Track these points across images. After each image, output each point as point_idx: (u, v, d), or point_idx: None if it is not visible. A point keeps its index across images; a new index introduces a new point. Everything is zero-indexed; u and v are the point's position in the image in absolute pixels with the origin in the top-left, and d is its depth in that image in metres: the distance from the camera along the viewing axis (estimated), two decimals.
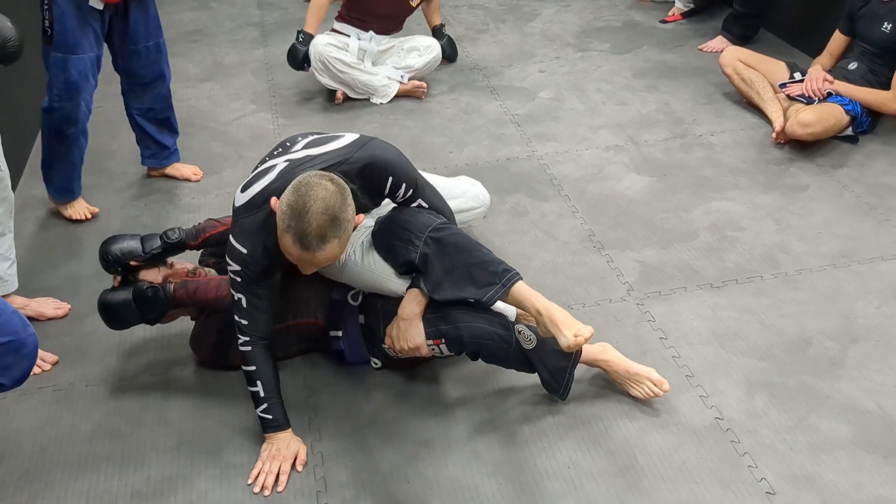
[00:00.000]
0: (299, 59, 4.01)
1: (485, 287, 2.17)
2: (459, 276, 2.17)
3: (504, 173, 3.46)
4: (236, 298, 2.17)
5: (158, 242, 2.45)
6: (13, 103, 3.58)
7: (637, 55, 4.50)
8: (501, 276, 2.18)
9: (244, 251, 2.10)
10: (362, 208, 2.14)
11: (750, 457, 2.14)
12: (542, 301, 2.17)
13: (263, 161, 2.24)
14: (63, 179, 3.18)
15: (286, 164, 2.13)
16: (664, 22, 4.90)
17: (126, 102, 3.33)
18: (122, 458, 2.24)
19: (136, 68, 3.19)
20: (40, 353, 2.47)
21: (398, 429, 2.28)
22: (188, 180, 3.50)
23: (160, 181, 3.53)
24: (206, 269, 2.57)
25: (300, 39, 4.00)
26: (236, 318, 2.18)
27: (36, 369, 2.46)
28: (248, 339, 2.18)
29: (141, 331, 2.68)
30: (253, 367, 2.18)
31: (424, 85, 4.13)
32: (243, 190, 2.14)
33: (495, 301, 2.19)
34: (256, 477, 2.15)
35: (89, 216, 3.25)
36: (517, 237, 3.05)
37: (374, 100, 4.09)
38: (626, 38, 4.72)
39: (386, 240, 2.23)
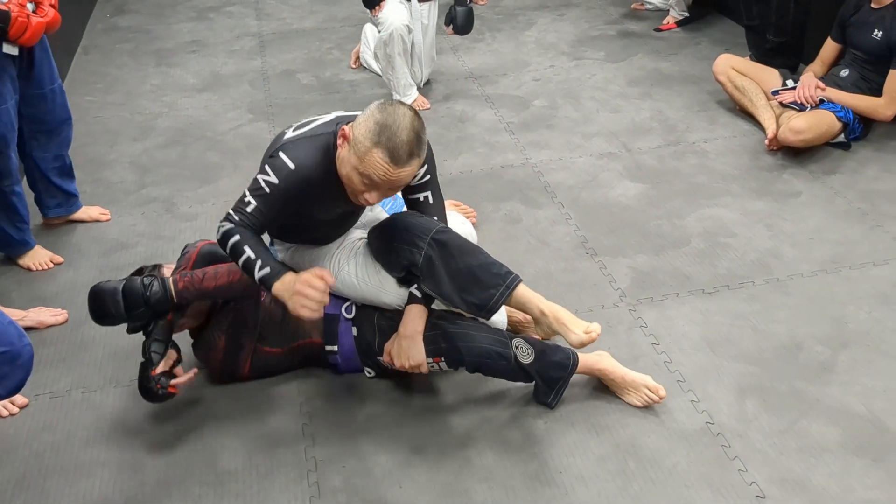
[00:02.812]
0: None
1: (489, 289, 2.19)
2: (463, 279, 2.19)
3: (498, 181, 3.48)
4: (246, 201, 2.07)
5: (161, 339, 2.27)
6: None
7: (631, 63, 4.53)
8: (505, 278, 2.20)
9: (291, 166, 2.04)
10: None
11: (740, 461, 2.15)
12: (545, 302, 2.20)
13: (289, 127, 2.20)
14: (12, 233, 2.95)
15: (337, 115, 2.16)
16: (658, 30, 4.94)
17: (28, 153, 3.04)
18: (118, 464, 2.26)
19: (42, 113, 2.97)
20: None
21: (391, 435, 2.30)
22: (98, 221, 3.30)
23: (157, 189, 3.55)
24: None
25: None
26: (231, 210, 2.09)
27: (3, 412, 2.39)
28: (231, 225, 2.07)
29: (138, 336, 2.67)
30: (236, 237, 2.05)
31: (428, 104, 4.15)
32: (296, 129, 2.14)
33: (500, 304, 2.20)
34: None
35: (51, 265, 3.03)
36: (511, 244, 3.07)
37: (396, 96, 4.11)
38: (620, 47, 4.75)
39: (387, 242, 2.25)
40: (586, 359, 2.36)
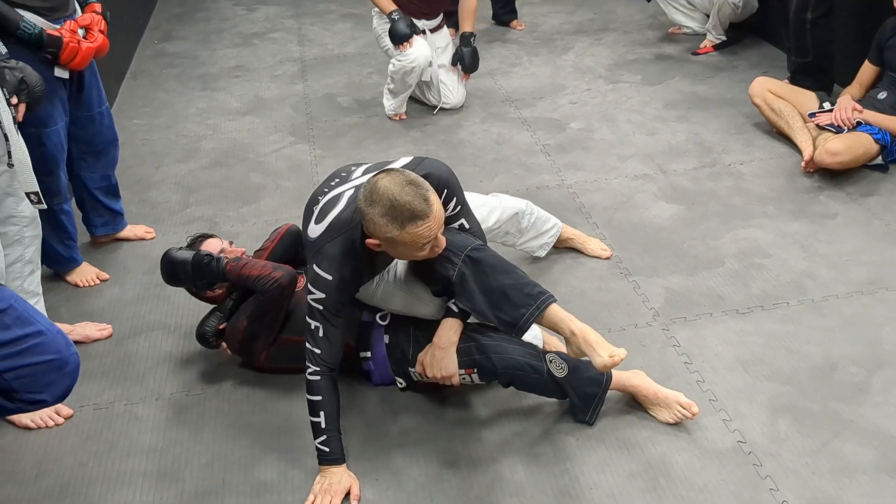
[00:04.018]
0: (404, 34, 4.10)
1: (520, 308, 2.22)
2: (496, 296, 2.22)
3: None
4: (313, 327, 2.21)
5: (229, 302, 2.62)
6: None
7: (668, 86, 4.55)
8: (536, 298, 2.23)
9: (330, 278, 2.16)
10: None
11: (772, 480, 2.15)
12: (576, 323, 2.22)
13: (322, 192, 2.31)
14: (60, 250, 3.05)
15: (352, 190, 2.23)
16: (696, 54, 4.95)
17: (76, 173, 3.16)
18: (158, 473, 2.33)
19: (90, 135, 3.09)
20: (56, 406, 2.48)
21: (424, 449, 2.34)
22: (143, 239, 3.42)
23: (200, 209, 3.65)
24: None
25: (396, 17, 4.08)
26: (308, 346, 2.23)
27: (49, 421, 2.50)
28: (317, 368, 2.22)
29: (179, 351, 2.79)
30: (319, 398, 2.21)
31: (405, 116, 4.41)
32: (317, 222, 2.23)
33: (531, 322, 2.23)
34: None
35: (97, 282, 3.15)
36: (546, 264, 3.10)
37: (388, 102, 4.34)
38: (657, 71, 4.77)
39: (432, 259, 2.30)
40: (620, 375, 2.38)
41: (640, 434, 2.32)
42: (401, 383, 2.50)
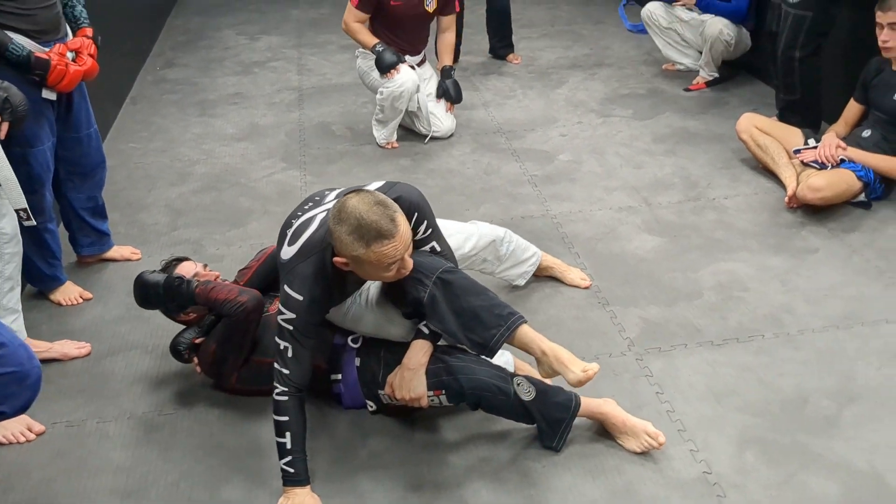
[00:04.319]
0: (391, 63, 4.18)
1: (491, 329, 2.24)
2: (467, 318, 2.24)
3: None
4: (282, 347, 2.22)
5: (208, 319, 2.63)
6: None
7: (658, 121, 4.59)
8: (507, 319, 2.25)
9: (301, 298, 2.18)
10: None
11: None
12: (546, 342, 2.24)
13: (296, 216, 2.33)
14: (44, 268, 3.07)
15: (325, 213, 2.26)
16: (688, 90, 5.00)
17: (63, 193, 3.20)
18: (124, 491, 2.33)
19: (78, 156, 3.12)
20: (28, 422, 2.51)
21: (391, 473, 2.34)
22: (129, 260, 3.44)
23: (188, 231, 3.69)
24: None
25: (381, 49, 4.18)
26: (277, 366, 2.23)
27: (21, 437, 2.50)
28: (285, 388, 2.22)
29: (156, 371, 2.81)
30: (285, 418, 2.21)
31: (398, 145, 4.45)
32: (290, 244, 2.25)
33: (501, 343, 2.25)
34: None
35: (80, 301, 3.16)
36: (524, 292, 3.11)
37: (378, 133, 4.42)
38: (648, 105, 4.82)
39: (403, 281, 2.32)
40: (589, 402, 2.38)
41: (606, 462, 2.32)
42: (371, 406, 2.50)
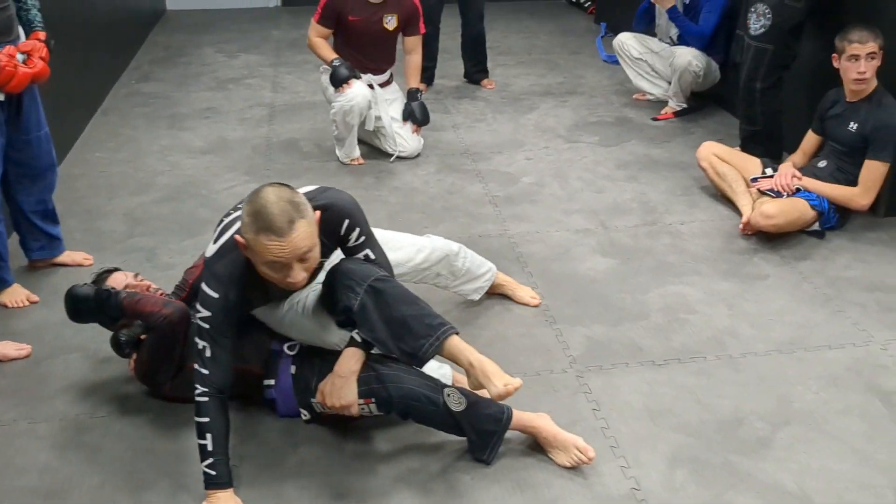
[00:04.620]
0: (344, 77, 4.22)
1: (420, 339, 2.23)
2: (397, 327, 2.23)
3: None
4: (200, 347, 2.21)
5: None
6: None
7: (623, 148, 4.62)
8: (437, 329, 2.24)
9: (216, 296, 2.18)
10: (323, 251, 2.25)
11: None
12: (475, 354, 2.23)
13: (227, 214, 2.35)
14: None
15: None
16: (655, 119, 5.04)
17: (12, 196, 3.19)
18: (47, 492, 2.29)
19: (28, 158, 3.11)
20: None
21: (318, 481, 2.31)
22: (80, 265, 3.40)
23: (143, 239, 3.67)
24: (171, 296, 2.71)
25: (337, 64, 4.23)
26: (197, 367, 2.22)
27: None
28: (205, 389, 2.21)
29: (94, 375, 2.78)
30: (206, 419, 2.20)
31: (363, 161, 4.48)
32: (214, 242, 2.26)
33: (430, 353, 2.24)
34: None
35: (27, 304, 3.14)
36: (473, 308, 3.11)
37: (340, 153, 4.45)
38: (615, 133, 4.85)
39: (329, 286, 2.32)
40: (521, 416, 2.37)
41: (536, 476, 2.30)
42: (305, 415, 2.48)
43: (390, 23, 4.31)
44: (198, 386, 2.21)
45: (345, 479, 2.31)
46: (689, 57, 4.86)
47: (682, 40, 4.97)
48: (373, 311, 2.24)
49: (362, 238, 2.32)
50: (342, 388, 2.27)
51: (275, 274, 2.11)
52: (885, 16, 3.58)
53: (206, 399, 2.20)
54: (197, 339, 2.21)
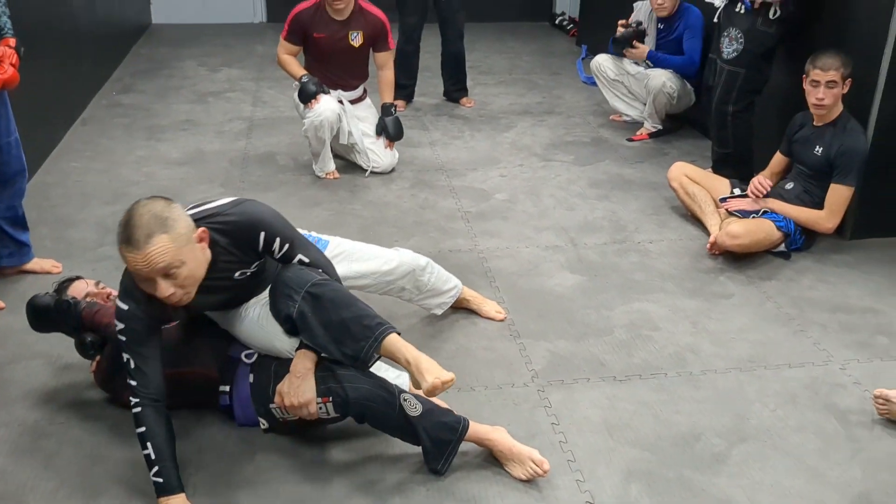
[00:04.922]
0: (311, 92, 4.25)
1: (360, 341, 2.25)
2: (337, 331, 2.25)
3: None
4: (125, 360, 2.23)
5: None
6: None
7: (597, 168, 4.66)
8: (375, 330, 2.26)
9: (126, 307, 2.21)
10: (238, 263, 2.26)
11: None
12: (411, 351, 2.25)
13: None
14: None
15: None
16: (631, 140, 5.09)
17: None
18: (0, 496, 2.28)
19: None
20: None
21: (272, 490, 2.31)
22: (49, 273, 3.38)
23: (113, 248, 3.62)
24: None
25: (304, 80, 4.26)
26: (127, 379, 2.24)
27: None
28: (138, 399, 2.22)
29: (56, 381, 2.77)
30: (144, 429, 2.21)
31: (338, 175, 4.50)
32: None
33: (371, 353, 2.25)
34: None
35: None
36: (439, 321, 3.12)
37: (316, 167, 4.46)
38: (590, 153, 4.89)
39: (272, 296, 2.33)
40: (479, 428, 2.37)
41: (490, 489, 2.30)
42: (264, 424, 2.48)
43: (356, 39, 4.34)
44: (132, 398, 2.22)
45: (299, 489, 2.31)
46: (664, 79, 4.92)
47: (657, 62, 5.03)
48: (311, 317, 2.25)
49: (287, 245, 2.32)
50: (299, 386, 2.28)
51: (145, 287, 2.13)
52: (853, 43, 3.64)
53: (140, 409, 2.21)
54: (122, 353, 2.23)
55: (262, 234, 2.26)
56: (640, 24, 5.08)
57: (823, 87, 3.45)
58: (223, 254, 2.25)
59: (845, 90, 3.47)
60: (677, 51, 4.96)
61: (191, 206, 2.34)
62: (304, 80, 4.27)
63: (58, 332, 2.68)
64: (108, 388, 2.61)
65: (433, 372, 2.18)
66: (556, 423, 2.57)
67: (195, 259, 2.14)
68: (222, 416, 2.55)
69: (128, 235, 2.05)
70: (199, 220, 2.22)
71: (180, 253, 2.08)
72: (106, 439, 2.51)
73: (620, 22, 5.16)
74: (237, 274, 2.33)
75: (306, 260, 2.36)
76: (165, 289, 2.11)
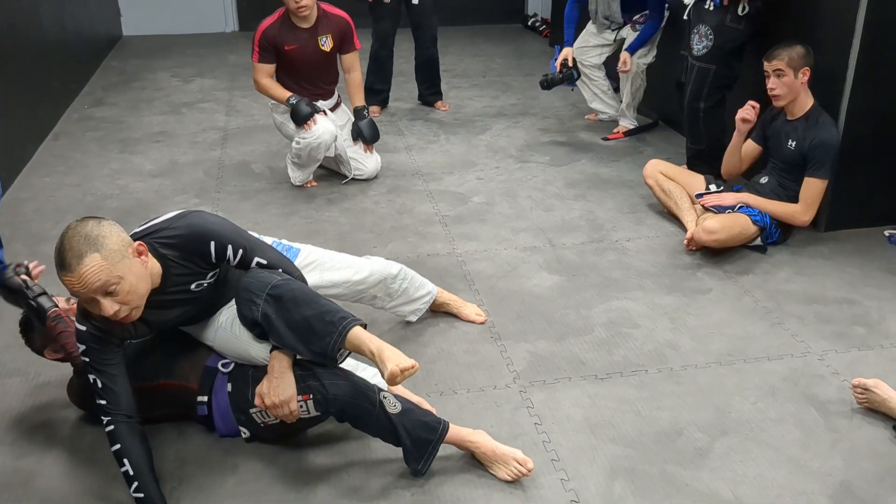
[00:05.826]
0: (306, 114, 4.18)
1: (325, 338, 2.24)
2: (302, 330, 2.24)
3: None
4: (91, 381, 2.22)
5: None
6: None
7: (573, 167, 4.68)
8: (338, 324, 2.25)
9: (83, 328, 2.20)
10: (192, 275, 2.27)
11: None
12: (375, 342, 2.25)
13: None
14: None
15: None
16: (606, 139, 5.11)
17: None
18: None
19: None
20: None
21: (256, 500, 2.29)
22: None
23: None
24: None
25: (294, 102, 4.19)
26: (97, 400, 2.23)
27: None
28: (109, 417, 2.21)
29: (33, 399, 2.74)
30: (118, 446, 2.20)
31: (315, 183, 4.45)
32: None
33: (337, 349, 2.24)
34: None
35: None
36: (419, 326, 3.11)
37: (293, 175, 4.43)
38: (566, 153, 4.91)
39: (237, 303, 2.33)
40: (460, 431, 2.37)
41: (475, 492, 2.30)
42: (245, 433, 2.46)
43: (326, 44, 4.31)
44: (103, 418, 2.21)
45: (282, 498, 2.30)
46: (636, 60, 4.91)
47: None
48: (275, 319, 2.25)
49: (241, 251, 2.30)
50: (278, 385, 2.26)
51: (90, 308, 2.12)
52: (822, 38, 3.67)
53: (113, 427, 2.20)
54: (88, 374, 2.22)
55: (213, 244, 2.24)
56: (571, 68, 5.03)
57: (773, 77, 3.50)
58: (175, 267, 2.23)
59: (803, 80, 3.50)
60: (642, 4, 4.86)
61: (143, 222, 2.33)
62: (294, 101, 4.19)
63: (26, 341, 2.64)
64: (83, 406, 2.58)
65: (394, 359, 2.17)
66: (538, 424, 2.57)
67: (134, 273, 2.09)
68: (203, 428, 2.53)
69: (61, 260, 2.03)
70: (145, 236, 2.21)
71: (116, 269, 2.04)
72: (87, 456, 2.48)
73: (558, 60, 5.07)
74: (193, 286, 2.31)
75: (264, 262, 2.35)
76: (109, 307, 2.07)
